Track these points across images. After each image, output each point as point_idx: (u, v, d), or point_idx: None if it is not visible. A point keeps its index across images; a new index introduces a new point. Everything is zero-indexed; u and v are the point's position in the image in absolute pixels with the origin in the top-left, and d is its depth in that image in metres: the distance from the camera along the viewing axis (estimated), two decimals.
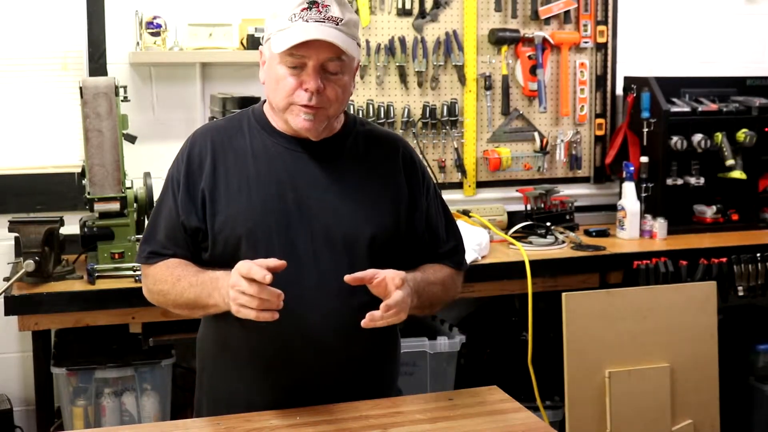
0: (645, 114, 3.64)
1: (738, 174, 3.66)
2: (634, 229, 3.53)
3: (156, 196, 3.02)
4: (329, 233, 1.84)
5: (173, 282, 1.84)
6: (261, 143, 1.89)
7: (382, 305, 1.72)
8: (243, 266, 1.67)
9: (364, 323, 1.72)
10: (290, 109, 1.82)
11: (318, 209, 1.85)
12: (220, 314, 1.88)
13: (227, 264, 1.78)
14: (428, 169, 2.12)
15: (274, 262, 1.67)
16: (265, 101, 1.95)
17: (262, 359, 1.86)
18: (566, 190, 3.79)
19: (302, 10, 1.77)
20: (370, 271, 1.74)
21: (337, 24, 1.77)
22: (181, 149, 1.94)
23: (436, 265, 1.99)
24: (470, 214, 3.53)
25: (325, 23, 1.76)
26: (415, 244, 1.96)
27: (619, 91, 3.87)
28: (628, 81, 3.79)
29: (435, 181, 2.07)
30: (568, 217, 3.70)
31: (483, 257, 3.20)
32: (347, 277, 1.73)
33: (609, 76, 3.88)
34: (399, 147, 1.99)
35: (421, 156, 2.17)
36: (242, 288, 1.66)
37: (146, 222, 3.00)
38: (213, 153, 1.89)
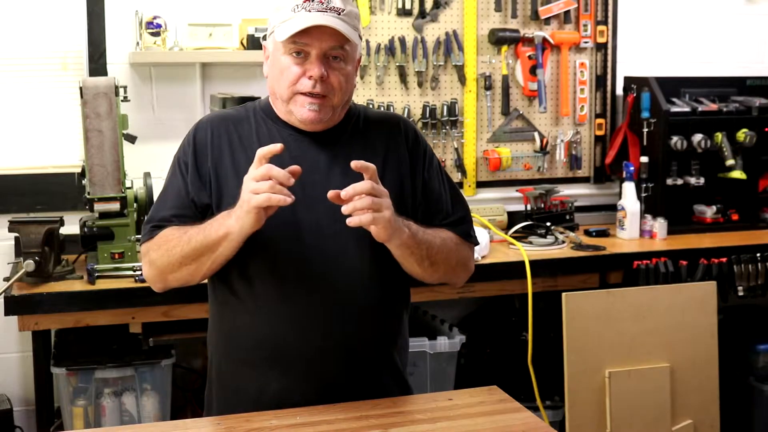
0: (645, 114, 3.64)
1: (738, 174, 3.66)
2: (634, 229, 3.53)
3: (156, 196, 3.04)
4: (334, 214, 1.83)
5: (179, 235, 1.82)
6: (266, 130, 1.91)
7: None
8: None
9: (348, 221, 1.70)
10: (294, 99, 1.84)
11: (322, 191, 1.84)
12: (228, 307, 1.89)
13: None
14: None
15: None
16: (269, 96, 1.96)
17: (269, 349, 1.86)
18: (566, 190, 3.79)
19: (304, 1, 1.80)
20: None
21: (339, 14, 1.80)
22: (186, 135, 1.95)
23: (439, 228, 1.97)
24: (470, 214, 3.53)
25: (327, 13, 1.79)
26: (419, 215, 1.95)
27: (619, 91, 3.87)
28: (628, 81, 3.79)
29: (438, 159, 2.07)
30: (568, 217, 3.70)
31: (483, 257, 3.20)
32: (330, 193, 1.71)
33: (609, 76, 3.88)
34: (400, 123, 2.01)
35: None
36: (253, 175, 1.67)
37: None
38: (218, 138, 1.90)
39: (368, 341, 1.91)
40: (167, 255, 1.83)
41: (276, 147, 1.71)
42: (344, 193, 1.69)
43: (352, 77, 1.89)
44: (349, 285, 1.80)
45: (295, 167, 1.70)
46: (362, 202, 1.69)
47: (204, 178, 1.88)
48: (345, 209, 1.70)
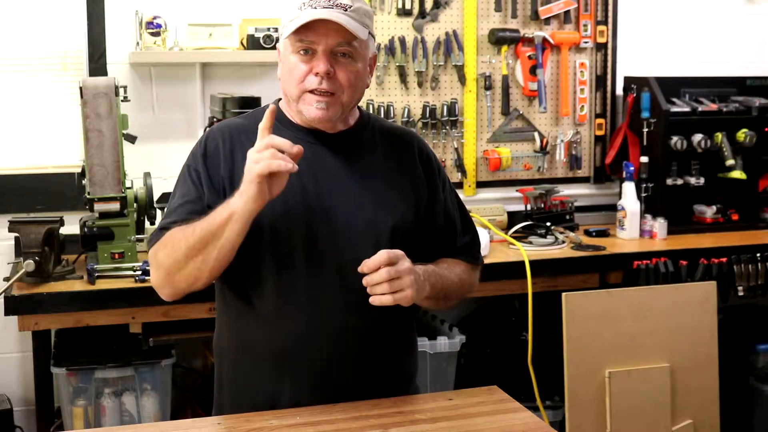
0: (645, 114, 3.64)
1: (738, 174, 3.66)
2: (634, 229, 3.53)
3: (156, 196, 3.05)
4: (350, 226, 1.84)
5: (184, 230, 1.77)
6: (279, 135, 1.86)
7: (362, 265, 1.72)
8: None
9: (371, 300, 1.72)
10: (303, 97, 1.82)
11: (339, 202, 1.85)
12: (241, 316, 1.88)
13: (247, 256, 1.78)
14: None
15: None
16: (280, 99, 1.94)
17: (285, 356, 1.86)
18: (566, 190, 3.79)
19: None
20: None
21: (346, 10, 1.78)
22: (196, 144, 1.92)
23: (451, 259, 1.99)
24: (470, 214, 3.52)
25: (334, 9, 1.77)
26: (434, 237, 1.97)
27: (619, 91, 3.87)
28: (628, 81, 3.79)
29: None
30: (568, 217, 3.70)
31: (483, 257, 3.19)
32: (361, 270, 1.73)
33: (609, 76, 3.88)
34: (414, 141, 2.01)
35: None
36: (256, 147, 1.65)
37: (146, 220, 3.03)
38: (231, 146, 1.87)
39: (382, 348, 1.92)
40: (173, 251, 1.76)
41: (270, 109, 1.69)
42: (360, 269, 1.72)
43: (363, 75, 1.86)
44: (364, 293, 1.78)
45: (299, 147, 1.66)
46: (382, 287, 1.71)
47: (217, 186, 1.84)
48: (365, 281, 1.72)
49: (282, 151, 1.64)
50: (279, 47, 1.90)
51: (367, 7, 1.85)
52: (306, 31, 1.77)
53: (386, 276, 1.71)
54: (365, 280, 1.72)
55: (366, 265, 1.72)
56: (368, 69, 1.89)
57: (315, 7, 1.77)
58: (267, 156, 1.63)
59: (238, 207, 1.68)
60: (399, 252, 1.74)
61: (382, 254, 1.72)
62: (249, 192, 1.65)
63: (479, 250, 2.09)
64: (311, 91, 1.80)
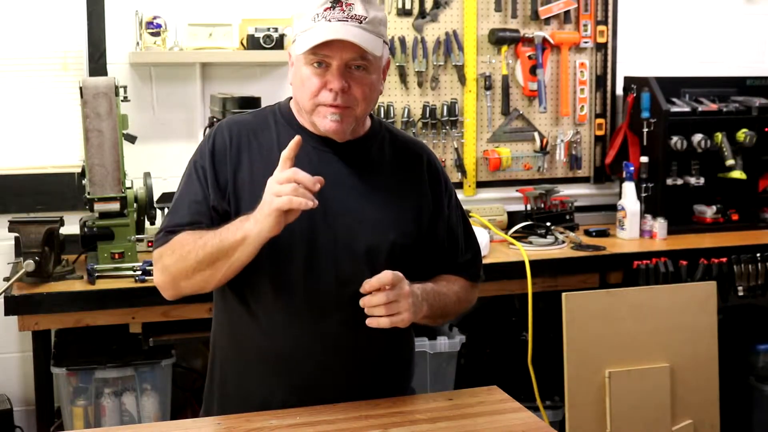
0: (645, 114, 3.64)
1: (738, 174, 3.66)
2: (634, 229, 3.54)
3: (156, 196, 3.05)
4: (351, 236, 1.83)
5: (194, 240, 1.76)
6: (287, 139, 1.82)
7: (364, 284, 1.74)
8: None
9: (368, 321, 1.74)
10: (317, 110, 1.80)
11: (342, 210, 1.84)
12: (237, 317, 1.88)
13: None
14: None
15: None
16: (291, 98, 1.93)
17: (278, 360, 1.85)
18: (566, 190, 3.79)
19: (325, 10, 1.76)
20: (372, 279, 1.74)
21: (361, 22, 1.75)
22: (204, 139, 1.91)
23: (451, 276, 1.99)
24: (470, 214, 3.53)
25: (348, 22, 1.75)
26: (435, 252, 1.96)
27: (619, 91, 3.87)
28: (628, 81, 3.79)
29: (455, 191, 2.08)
30: (568, 217, 3.70)
31: (483, 257, 3.19)
32: (363, 290, 1.75)
33: (609, 76, 3.88)
34: (423, 154, 1.99)
35: None
36: (278, 177, 1.65)
37: (146, 220, 3.03)
38: (238, 144, 1.86)
39: (378, 355, 1.91)
40: (182, 260, 1.76)
41: (295, 140, 1.69)
42: (362, 289, 1.74)
43: (377, 86, 1.84)
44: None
45: (320, 177, 1.66)
46: (379, 309, 1.72)
47: (222, 184, 1.83)
48: (363, 303, 1.74)
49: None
50: (290, 52, 1.86)
51: (382, 14, 1.82)
52: (319, 45, 1.74)
53: (384, 299, 1.72)
54: (363, 302, 1.73)
55: (369, 284, 1.73)
56: (381, 77, 1.87)
57: (330, 20, 1.74)
58: (288, 191, 1.62)
59: (253, 233, 1.68)
60: (398, 274, 1.75)
61: (387, 275, 1.72)
62: (266, 223, 1.66)
63: (480, 267, 2.08)
64: (325, 105, 1.79)
